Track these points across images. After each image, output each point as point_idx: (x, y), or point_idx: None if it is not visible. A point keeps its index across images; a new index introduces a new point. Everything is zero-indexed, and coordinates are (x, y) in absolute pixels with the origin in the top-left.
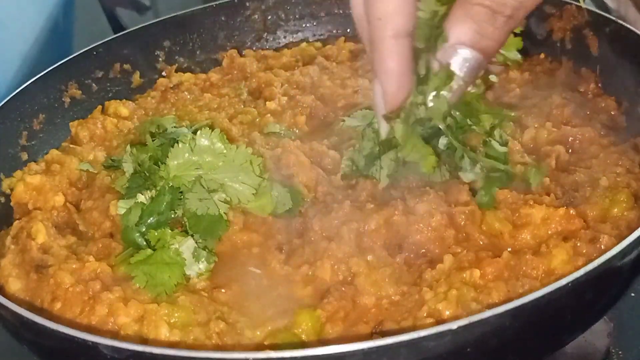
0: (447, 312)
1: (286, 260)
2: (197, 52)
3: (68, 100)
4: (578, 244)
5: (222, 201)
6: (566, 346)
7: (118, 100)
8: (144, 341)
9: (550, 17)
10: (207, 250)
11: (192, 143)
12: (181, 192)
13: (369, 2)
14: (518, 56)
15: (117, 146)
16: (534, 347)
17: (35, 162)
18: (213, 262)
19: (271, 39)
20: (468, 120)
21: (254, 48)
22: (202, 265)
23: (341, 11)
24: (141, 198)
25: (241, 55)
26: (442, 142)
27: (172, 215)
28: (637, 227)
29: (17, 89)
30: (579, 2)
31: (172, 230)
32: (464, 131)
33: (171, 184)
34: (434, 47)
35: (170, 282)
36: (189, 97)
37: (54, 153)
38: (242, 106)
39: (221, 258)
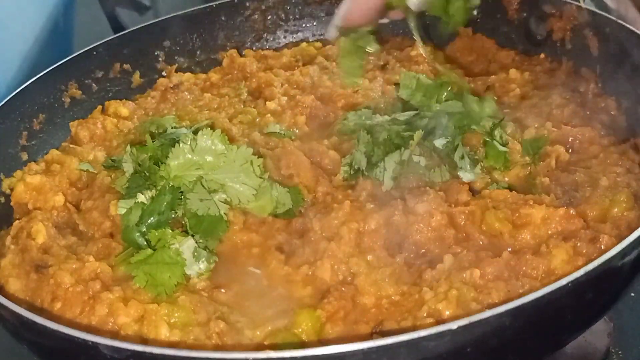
0: (447, 312)
1: (286, 260)
2: (197, 52)
3: (68, 100)
4: (578, 244)
5: (222, 201)
6: (566, 346)
7: (118, 100)
8: (144, 341)
9: (550, 17)
10: (207, 250)
11: (193, 143)
12: (181, 192)
13: None
14: None
15: (117, 146)
16: (534, 347)
17: (35, 162)
18: (213, 262)
19: (271, 39)
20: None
21: (254, 48)
22: (202, 265)
23: None
24: (141, 198)
25: (241, 55)
26: (441, 142)
27: (173, 215)
28: (637, 227)
29: (17, 89)
30: (579, 2)
31: (172, 230)
32: (464, 131)
33: (172, 183)
34: None
35: (170, 282)
36: (189, 97)
37: (54, 153)
38: (242, 106)
39: (221, 258)
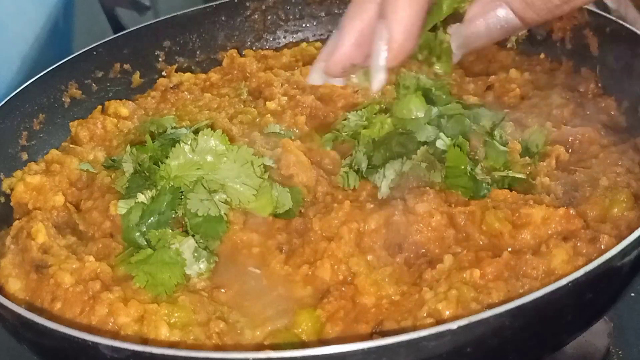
0: (447, 312)
1: (286, 260)
2: (197, 52)
3: (68, 100)
4: (578, 244)
5: (222, 202)
6: (566, 346)
7: (118, 100)
8: (144, 341)
9: None
10: (207, 250)
11: (193, 143)
12: (182, 192)
13: None
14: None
15: (117, 146)
16: (534, 347)
17: (35, 162)
18: (213, 262)
19: (271, 39)
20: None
21: (254, 48)
22: (203, 265)
23: (341, 11)
24: (141, 198)
25: (241, 55)
26: (441, 142)
27: (173, 215)
28: (637, 227)
29: (17, 89)
30: None
31: (172, 230)
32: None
33: (172, 183)
34: None
35: (170, 282)
36: (189, 97)
37: (54, 153)
38: (242, 106)
39: (221, 258)
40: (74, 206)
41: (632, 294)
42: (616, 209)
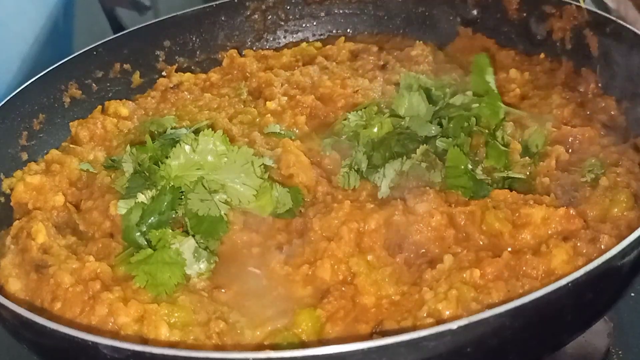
0: (447, 312)
1: (286, 260)
2: (197, 52)
3: (68, 100)
4: (578, 244)
5: (222, 202)
6: (566, 346)
7: (118, 100)
8: (144, 341)
9: (550, 17)
10: (207, 250)
11: (194, 143)
12: (182, 192)
13: None
14: None
15: (117, 146)
16: (534, 347)
17: (35, 162)
18: (214, 262)
19: (271, 39)
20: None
21: (254, 48)
22: (203, 265)
23: (341, 11)
24: (141, 198)
25: (241, 55)
26: (441, 143)
27: (173, 215)
28: (637, 227)
29: (17, 89)
30: (579, 2)
31: (173, 230)
32: (467, 132)
33: (172, 183)
34: None
35: (170, 282)
36: (189, 97)
37: (54, 153)
38: (242, 106)
39: (221, 258)
40: (74, 206)
41: (632, 294)
42: (616, 209)
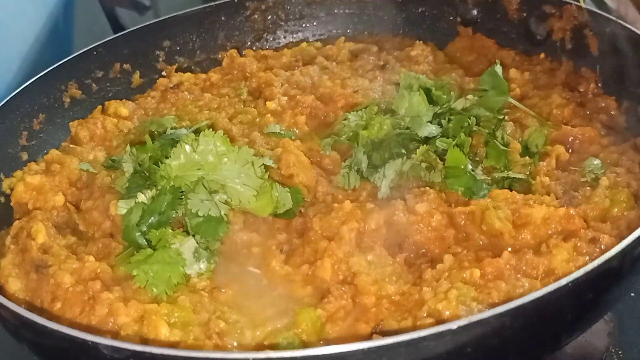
0: (447, 312)
1: (286, 260)
2: (197, 52)
3: (68, 100)
4: (578, 244)
5: (222, 202)
6: (566, 346)
7: (118, 100)
8: (144, 341)
9: (550, 17)
10: (208, 250)
11: (194, 144)
12: (182, 192)
13: None
14: None
15: (117, 146)
16: (534, 347)
17: (35, 162)
18: (214, 262)
19: (271, 39)
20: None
21: (254, 48)
22: (203, 265)
23: (341, 11)
24: (141, 198)
25: (241, 55)
26: (441, 143)
27: (174, 215)
28: (637, 227)
29: (17, 89)
30: (579, 2)
31: (173, 230)
32: (467, 132)
33: (172, 183)
34: None
35: (170, 282)
36: (189, 97)
37: (54, 153)
38: (242, 106)
39: (221, 258)
40: (74, 206)
41: (632, 294)
42: (616, 209)
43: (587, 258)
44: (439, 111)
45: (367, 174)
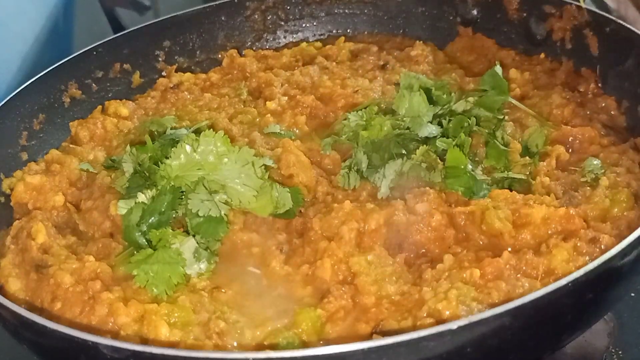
0: (447, 312)
1: (286, 260)
2: (197, 52)
3: (68, 100)
4: (578, 244)
5: (223, 202)
6: (566, 346)
7: (118, 100)
8: (144, 341)
9: (550, 17)
10: (208, 250)
11: (194, 144)
12: (182, 192)
13: None
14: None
15: (117, 146)
16: (534, 347)
17: (35, 162)
18: (214, 262)
19: (271, 39)
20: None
21: (254, 48)
22: (203, 265)
23: (341, 11)
24: (141, 197)
25: (241, 55)
26: (441, 143)
27: (174, 215)
28: (637, 227)
29: (17, 89)
30: (579, 2)
31: (173, 230)
32: (467, 131)
33: (172, 183)
34: None
35: (170, 282)
36: (189, 97)
37: (54, 153)
38: (242, 106)
39: (221, 258)
40: (74, 206)
41: (632, 294)
42: (616, 209)
43: (587, 258)
44: (439, 112)
45: (367, 174)
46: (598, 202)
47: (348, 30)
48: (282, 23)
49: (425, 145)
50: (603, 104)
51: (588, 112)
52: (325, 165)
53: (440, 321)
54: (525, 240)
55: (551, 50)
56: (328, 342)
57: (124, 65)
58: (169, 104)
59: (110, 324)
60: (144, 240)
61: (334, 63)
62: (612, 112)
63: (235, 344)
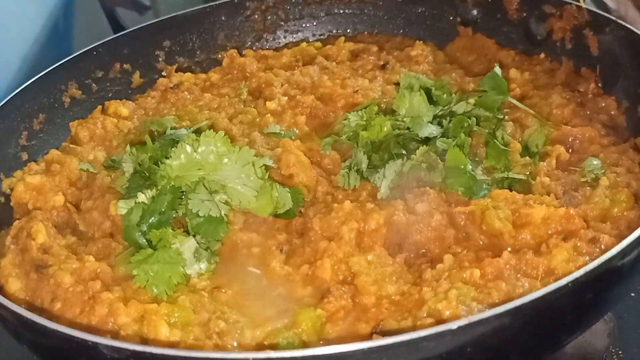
0: (447, 312)
1: (286, 260)
2: (197, 52)
3: (68, 100)
4: (578, 244)
5: (223, 202)
6: (566, 346)
7: (118, 100)
8: (144, 341)
9: (550, 17)
10: (208, 250)
11: (195, 144)
12: (182, 192)
13: None
14: None
15: (117, 146)
16: (534, 347)
17: (35, 162)
18: (214, 262)
19: (271, 39)
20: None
21: (254, 48)
22: (203, 265)
23: (341, 11)
24: (141, 197)
25: (241, 55)
26: (441, 143)
27: (174, 215)
28: (637, 227)
29: (17, 89)
30: (579, 2)
31: (173, 230)
32: (467, 132)
33: (172, 183)
34: None
35: (170, 282)
36: (189, 97)
37: (54, 153)
38: (242, 106)
39: (221, 258)
40: (74, 206)
41: (632, 294)
42: (616, 209)
43: (587, 258)
44: (439, 113)
45: (367, 174)
46: (598, 202)
47: (348, 30)
48: (282, 23)
49: (425, 146)
50: (603, 104)
51: (588, 112)
52: (325, 165)
53: (440, 321)
54: (525, 240)
55: (551, 50)
56: (328, 342)
57: (124, 65)
58: (169, 104)
59: (110, 324)
60: (144, 240)
61: (334, 63)
62: (612, 112)
63: (235, 344)
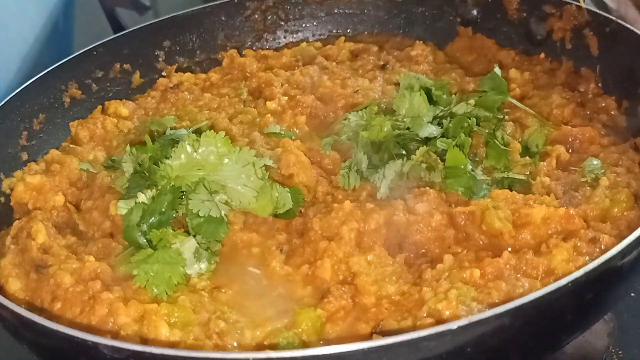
0: (447, 312)
1: (286, 260)
2: (197, 52)
3: (68, 100)
4: (578, 244)
5: (223, 202)
6: (566, 346)
7: (118, 100)
8: (144, 341)
9: (550, 17)
10: (209, 250)
11: (195, 144)
12: (182, 192)
13: None
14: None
15: (117, 146)
16: (534, 347)
17: (35, 162)
18: (214, 262)
19: (271, 39)
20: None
21: (254, 48)
22: (203, 265)
23: (341, 11)
24: (142, 198)
25: (241, 55)
26: (441, 143)
27: (174, 215)
28: (637, 227)
29: (17, 89)
30: (579, 2)
31: (174, 230)
32: (467, 132)
33: (172, 183)
34: None
35: (171, 282)
36: (189, 97)
37: (54, 153)
38: (242, 106)
39: (221, 258)
40: (74, 206)
41: (632, 294)
42: (616, 209)
43: (587, 258)
44: (439, 113)
45: (367, 175)
46: (598, 202)
47: (348, 30)
48: (282, 23)
49: (425, 146)
50: (603, 104)
51: (588, 112)
52: (325, 165)
53: (440, 321)
54: (525, 240)
55: (551, 50)
56: (328, 342)
57: (124, 65)
58: (169, 104)
59: (110, 324)
60: (144, 240)
61: (334, 63)
62: (612, 112)
63: (235, 344)
